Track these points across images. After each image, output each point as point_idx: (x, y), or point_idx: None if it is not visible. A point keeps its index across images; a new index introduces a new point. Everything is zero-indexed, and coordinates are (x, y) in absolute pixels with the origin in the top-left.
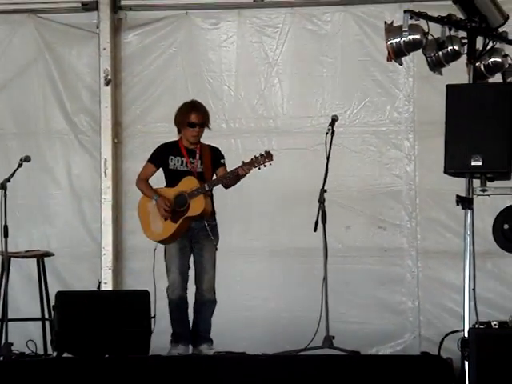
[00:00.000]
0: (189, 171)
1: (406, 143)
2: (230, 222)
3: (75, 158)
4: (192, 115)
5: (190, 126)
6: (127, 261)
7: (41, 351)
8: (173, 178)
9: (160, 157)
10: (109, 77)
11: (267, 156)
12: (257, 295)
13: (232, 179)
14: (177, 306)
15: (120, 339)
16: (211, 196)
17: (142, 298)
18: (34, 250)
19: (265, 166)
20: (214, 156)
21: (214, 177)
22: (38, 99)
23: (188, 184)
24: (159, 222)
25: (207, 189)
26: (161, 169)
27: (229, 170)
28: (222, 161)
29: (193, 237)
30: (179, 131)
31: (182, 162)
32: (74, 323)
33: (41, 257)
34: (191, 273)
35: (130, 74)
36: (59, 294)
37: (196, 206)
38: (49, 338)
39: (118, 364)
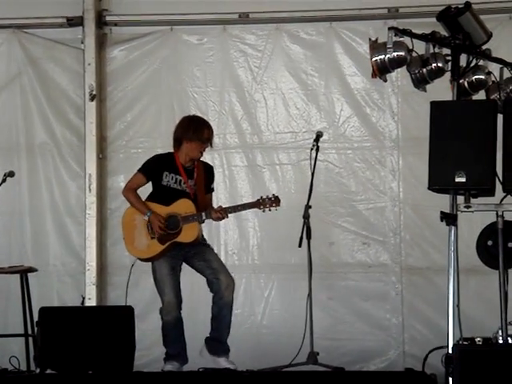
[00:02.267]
0: (183, 191)
1: (390, 159)
2: (213, 238)
3: (59, 174)
4: (206, 130)
5: (203, 141)
6: (111, 276)
7: (24, 367)
8: (164, 194)
9: (154, 170)
10: (94, 92)
11: (275, 200)
12: (240, 311)
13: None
14: (173, 328)
15: (104, 355)
16: None
17: (126, 314)
18: (18, 266)
19: (269, 210)
20: (208, 177)
21: None
22: (22, 114)
23: (184, 207)
24: (144, 239)
25: (204, 218)
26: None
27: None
28: (212, 186)
29: (187, 253)
30: (178, 145)
31: (176, 179)
32: (58, 339)
33: (24, 272)
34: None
35: (115, 90)
36: (43, 310)
37: (188, 234)
38: (32, 354)
39: (102, 380)
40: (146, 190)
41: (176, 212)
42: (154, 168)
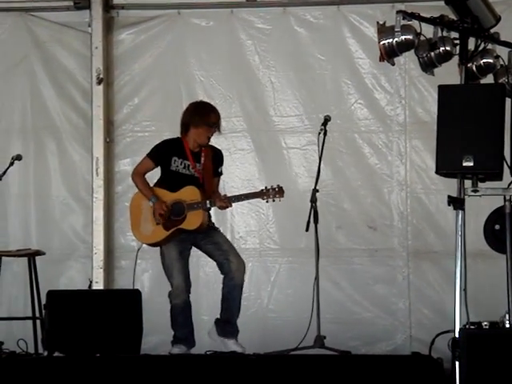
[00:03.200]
0: (192, 176)
1: (398, 143)
2: (219, 221)
3: (66, 157)
4: (212, 114)
5: (210, 125)
6: (118, 260)
7: (32, 350)
8: (172, 179)
9: (162, 155)
10: (101, 76)
11: (279, 191)
12: (247, 295)
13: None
14: (181, 311)
15: (111, 338)
16: None
17: (133, 297)
18: (25, 249)
19: (273, 200)
20: (216, 161)
21: None
22: (29, 98)
23: (190, 194)
24: (150, 225)
25: (208, 206)
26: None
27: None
28: (219, 169)
29: (196, 238)
30: (186, 131)
31: (185, 165)
32: (65, 322)
33: (32, 256)
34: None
35: (122, 73)
36: (50, 293)
37: (193, 220)
38: (40, 337)
39: (109, 363)
40: (156, 174)
41: (181, 199)
42: (162, 153)
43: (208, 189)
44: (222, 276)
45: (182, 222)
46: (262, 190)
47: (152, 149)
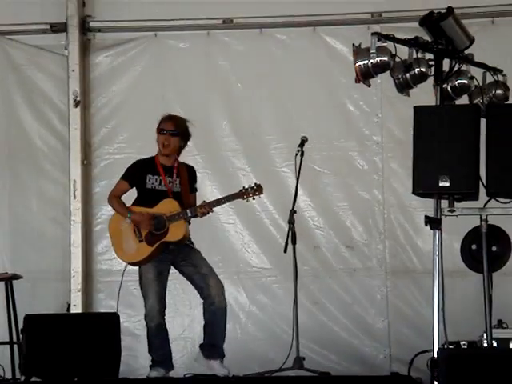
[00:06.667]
0: (167, 191)
1: (374, 163)
2: (197, 242)
3: (43, 180)
4: (163, 122)
5: (160, 132)
6: (96, 283)
7: (9, 375)
8: (149, 197)
9: (136, 175)
10: (78, 98)
11: (257, 189)
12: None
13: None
14: (156, 334)
15: (89, 362)
16: None
17: (111, 321)
18: (2, 273)
19: (253, 199)
20: (191, 177)
21: None
22: (5, 121)
23: (168, 207)
24: (133, 243)
25: (189, 215)
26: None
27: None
28: (195, 186)
29: (175, 258)
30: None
31: (160, 181)
32: (43, 347)
33: (9, 279)
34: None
35: (99, 96)
36: (28, 318)
37: (176, 232)
38: (17, 362)
39: None
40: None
41: (161, 212)
42: (135, 173)
43: (186, 202)
44: (198, 302)
45: (166, 235)
46: (241, 190)
47: (125, 170)
